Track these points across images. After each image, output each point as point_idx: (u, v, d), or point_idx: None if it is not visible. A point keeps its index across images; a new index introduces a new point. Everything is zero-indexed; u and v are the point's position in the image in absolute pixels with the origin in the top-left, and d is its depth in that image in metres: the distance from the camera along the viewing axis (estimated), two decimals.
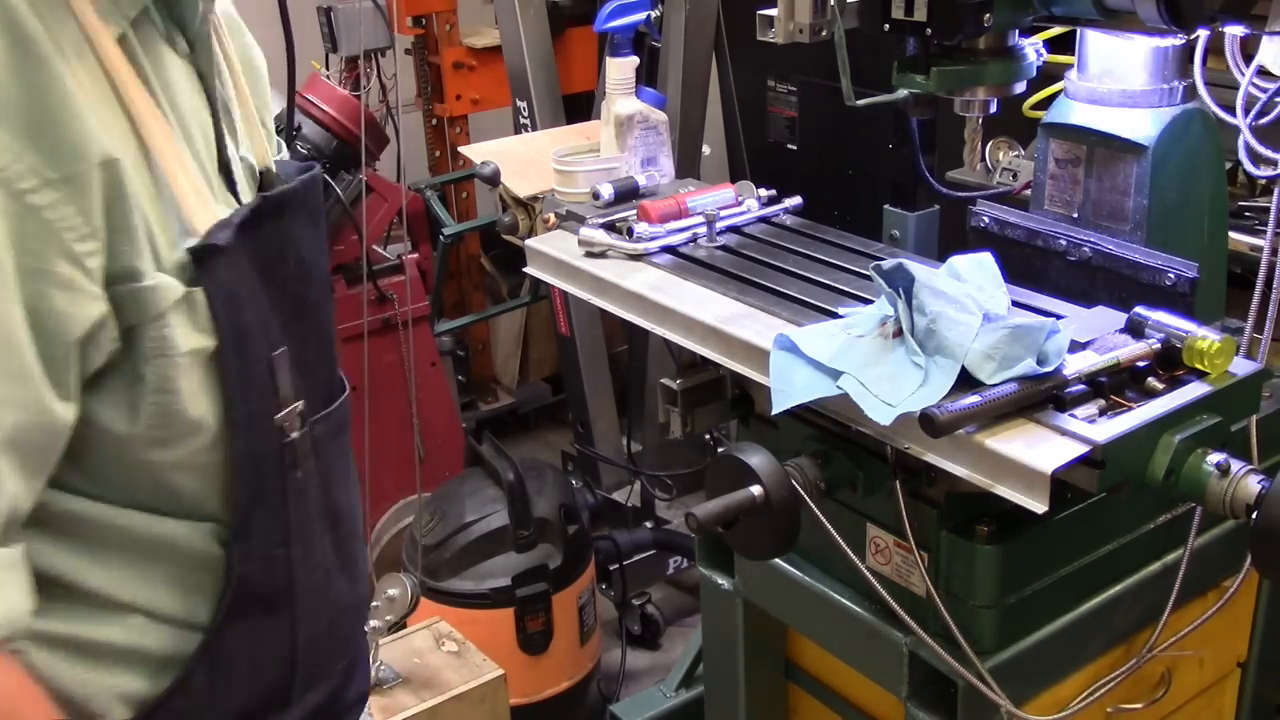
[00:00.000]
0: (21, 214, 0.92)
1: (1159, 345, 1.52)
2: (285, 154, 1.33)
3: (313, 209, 1.19)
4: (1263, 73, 1.98)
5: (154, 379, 1.00)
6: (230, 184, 1.13)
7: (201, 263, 1.02)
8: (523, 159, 2.47)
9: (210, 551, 1.08)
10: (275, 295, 1.10)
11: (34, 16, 0.93)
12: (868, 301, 1.73)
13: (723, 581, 2.01)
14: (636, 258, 1.98)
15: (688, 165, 3.13)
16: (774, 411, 1.57)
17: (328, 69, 4.11)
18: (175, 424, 1.02)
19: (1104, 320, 1.64)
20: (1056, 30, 1.99)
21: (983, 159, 2.32)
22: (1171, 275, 1.73)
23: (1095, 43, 1.85)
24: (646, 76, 2.96)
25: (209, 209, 1.06)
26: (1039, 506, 1.37)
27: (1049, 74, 1.97)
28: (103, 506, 1.04)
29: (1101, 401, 1.47)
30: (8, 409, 0.93)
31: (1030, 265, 1.89)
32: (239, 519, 1.08)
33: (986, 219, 1.97)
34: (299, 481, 1.12)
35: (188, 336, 1.01)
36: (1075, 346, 1.54)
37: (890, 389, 1.48)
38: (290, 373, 1.09)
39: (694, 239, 2.03)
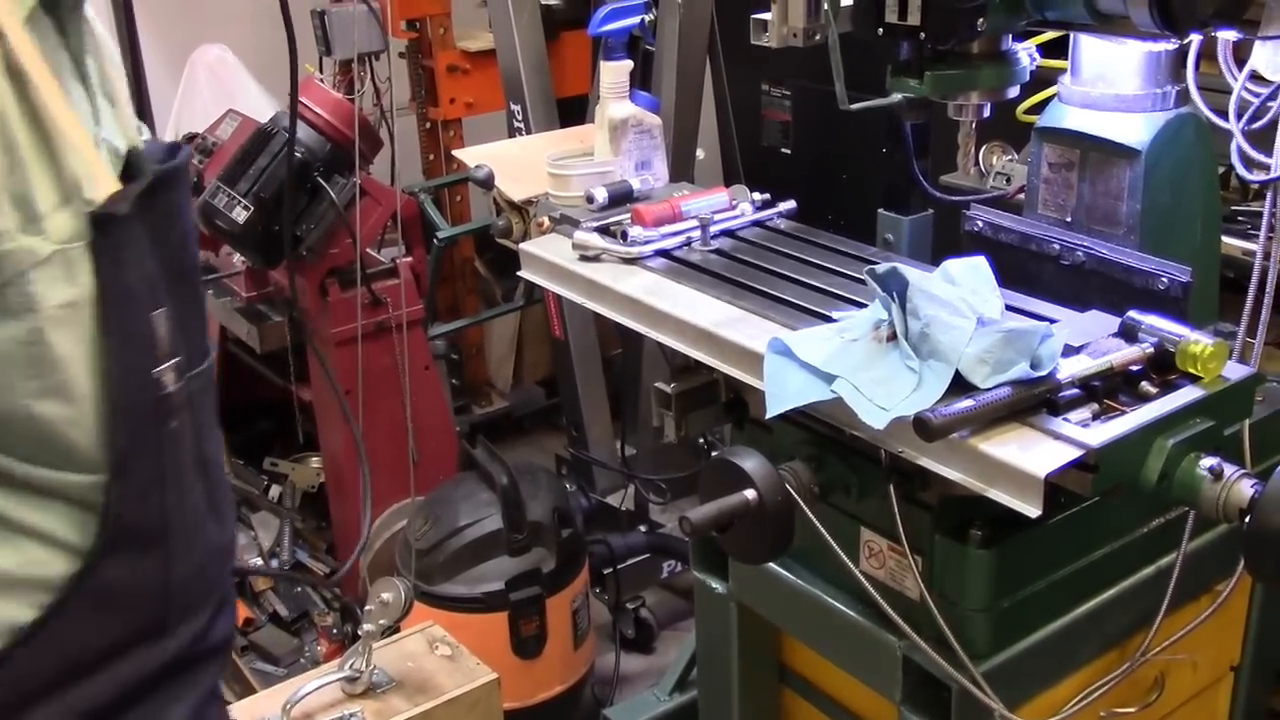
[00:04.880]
0: None
1: (1152, 349, 1.53)
2: (148, 134, 1.36)
3: (188, 184, 1.24)
4: (1255, 77, 1.98)
5: (21, 333, 1.02)
6: None
7: (99, 228, 1.05)
8: (517, 162, 2.47)
9: (92, 496, 1.11)
10: (161, 260, 1.14)
11: None
12: (862, 305, 1.73)
13: (716, 585, 2.01)
14: (630, 261, 1.98)
15: (682, 169, 3.13)
16: (768, 415, 1.57)
17: (321, 72, 4.11)
18: (48, 374, 1.04)
19: (1097, 324, 1.65)
20: (1050, 35, 1.99)
21: (976, 163, 2.32)
22: (1165, 279, 1.73)
23: (1088, 47, 1.85)
24: (641, 80, 2.95)
25: (108, 178, 1.09)
26: (1033, 510, 1.37)
27: (1042, 78, 1.97)
28: None
29: (1095, 405, 1.47)
30: None
31: (1024, 269, 1.89)
32: (116, 463, 1.11)
33: (980, 223, 1.97)
34: (174, 431, 1.16)
35: (57, 291, 1.03)
36: (1069, 350, 1.54)
37: (884, 393, 1.48)
38: (170, 331, 1.13)
39: (688, 243, 2.03)
